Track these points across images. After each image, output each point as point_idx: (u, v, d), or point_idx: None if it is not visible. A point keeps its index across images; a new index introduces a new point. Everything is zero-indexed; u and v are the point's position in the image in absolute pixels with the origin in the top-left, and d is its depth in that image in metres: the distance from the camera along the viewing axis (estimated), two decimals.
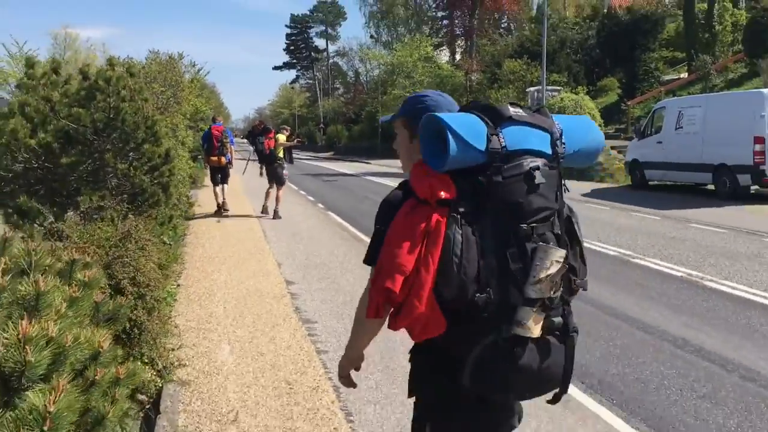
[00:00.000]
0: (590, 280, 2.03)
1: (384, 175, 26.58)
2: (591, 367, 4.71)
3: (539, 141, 1.86)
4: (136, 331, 4.14)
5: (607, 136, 24.03)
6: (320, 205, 15.45)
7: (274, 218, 12.52)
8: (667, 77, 28.56)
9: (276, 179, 12.77)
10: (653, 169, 17.25)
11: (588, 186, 19.00)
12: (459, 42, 55.15)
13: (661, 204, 14.36)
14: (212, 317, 5.88)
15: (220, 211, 13.07)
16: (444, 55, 53.89)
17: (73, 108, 5.68)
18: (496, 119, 1.85)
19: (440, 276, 1.71)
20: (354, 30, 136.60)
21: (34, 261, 2.29)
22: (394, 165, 35.02)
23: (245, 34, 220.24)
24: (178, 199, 10.95)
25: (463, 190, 1.78)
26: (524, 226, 1.78)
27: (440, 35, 55.40)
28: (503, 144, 1.79)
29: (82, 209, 5.65)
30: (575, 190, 18.03)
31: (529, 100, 28.98)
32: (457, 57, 53.57)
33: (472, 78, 42.21)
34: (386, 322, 1.89)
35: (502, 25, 55.48)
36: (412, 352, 2.05)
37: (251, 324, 5.67)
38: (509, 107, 1.91)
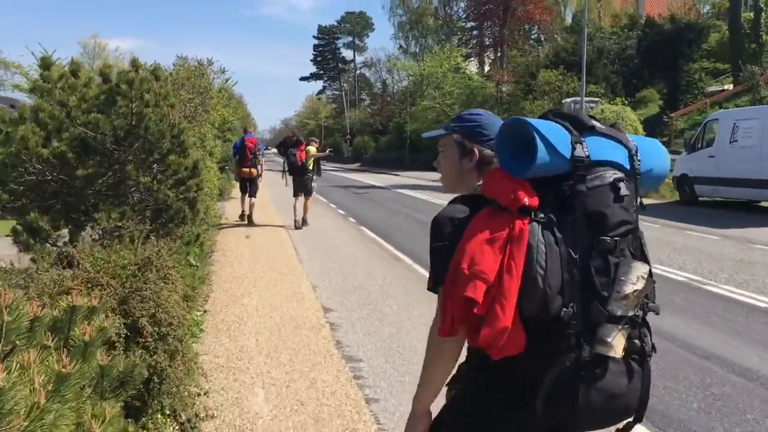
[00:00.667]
0: (662, 310, 1.91)
1: (414, 187, 25.85)
2: (688, 422, 3.90)
3: (619, 154, 1.81)
4: (156, 379, 3.44)
5: None
6: (352, 219, 14.76)
7: (302, 226, 12.57)
8: (710, 88, 27.46)
9: (305, 191, 12.75)
10: (704, 185, 16.26)
11: None
12: (488, 53, 54.37)
13: (715, 222, 13.40)
14: (243, 352, 5.16)
15: (244, 217, 13.08)
16: (473, 66, 53.12)
17: (92, 114, 5.03)
18: (579, 128, 1.81)
19: (522, 288, 1.62)
20: (381, 41, 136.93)
21: (5, 324, 1.57)
22: (423, 177, 34.53)
23: (273, 46, 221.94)
24: (205, 212, 10.35)
25: (544, 198, 1.71)
26: (607, 238, 1.71)
27: (469, 46, 54.65)
28: (587, 153, 1.74)
29: (101, 227, 5.00)
30: None
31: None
32: (486, 68, 52.79)
33: (503, 89, 41.43)
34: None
35: (532, 36, 54.62)
36: (467, 366, 1.87)
37: (288, 362, 4.94)
38: (589, 118, 1.87)
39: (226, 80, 31.38)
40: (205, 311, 6.18)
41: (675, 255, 9.68)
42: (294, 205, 12.81)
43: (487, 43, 54.05)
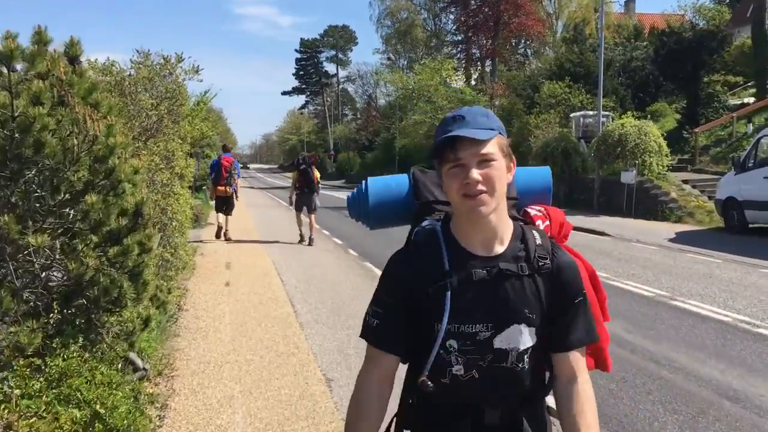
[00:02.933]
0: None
1: None
2: None
3: None
4: None
5: (672, 168, 20.89)
6: (352, 252, 12.30)
7: (310, 244, 12.92)
8: (731, 101, 25.44)
9: (313, 208, 13.05)
10: (758, 210, 14.02)
11: (668, 228, 15.82)
12: (476, 66, 52.34)
13: None
14: None
15: (220, 234, 13.11)
16: (459, 80, 50.95)
17: None
18: None
19: None
20: (365, 55, 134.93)
21: None
22: None
23: (254, 61, 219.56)
24: (172, 254, 7.86)
25: None
26: None
27: (456, 58, 52.55)
28: None
29: None
30: (655, 233, 14.87)
31: (574, 127, 25.93)
32: (472, 81, 50.63)
33: (496, 103, 39.31)
34: None
35: (519, 51, 52.78)
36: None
37: None
38: None
39: (206, 92, 29.05)
40: None
41: (755, 298, 7.54)
42: (298, 220, 13.28)
43: (477, 55, 52.09)
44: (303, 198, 12.95)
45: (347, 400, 1.61)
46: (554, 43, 46.90)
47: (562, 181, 21.50)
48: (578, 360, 1.60)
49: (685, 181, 19.84)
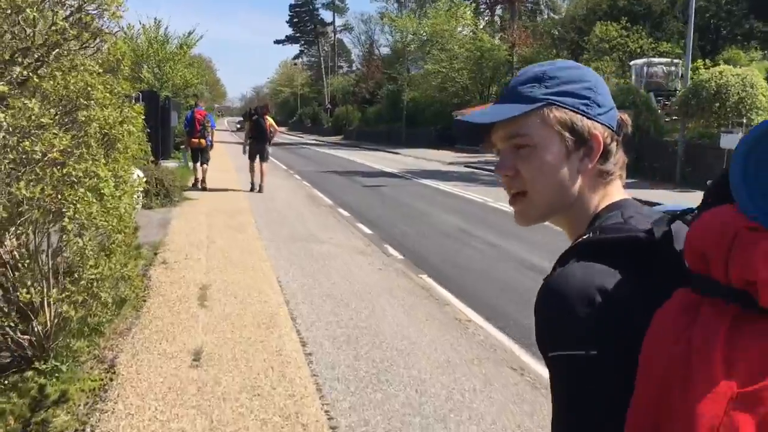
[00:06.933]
0: None
1: (444, 176, 19.11)
2: None
3: None
4: None
5: None
6: (395, 255, 8.04)
7: (260, 191, 13.24)
8: None
9: (264, 157, 13.51)
10: None
11: None
12: (483, 14, 47.16)
13: None
14: None
15: (198, 184, 13.60)
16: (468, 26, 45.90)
17: None
18: None
19: None
20: (362, 4, 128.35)
21: None
22: (435, 158, 27.40)
23: (245, 12, 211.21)
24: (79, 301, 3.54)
25: None
26: None
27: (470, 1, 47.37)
28: None
29: None
30: None
31: (634, 77, 21.43)
32: (480, 26, 45.56)
33: (518, 53, 34.57)
34: None
35: None
36: None
37: None
38: None
39: (189, 34, 24.17)
40: None
41: None
42: (251, 168, 13.59)
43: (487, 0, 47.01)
44: (254, 147, 13.50)
45: None
46: None
47: (629, 145, 17.21)
48: None
49: None
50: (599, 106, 1.01)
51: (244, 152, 13.87)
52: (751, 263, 0.68)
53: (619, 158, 1.03)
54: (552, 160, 0.98)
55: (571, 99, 0.99)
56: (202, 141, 13.50)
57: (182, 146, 18.74)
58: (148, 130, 7.47)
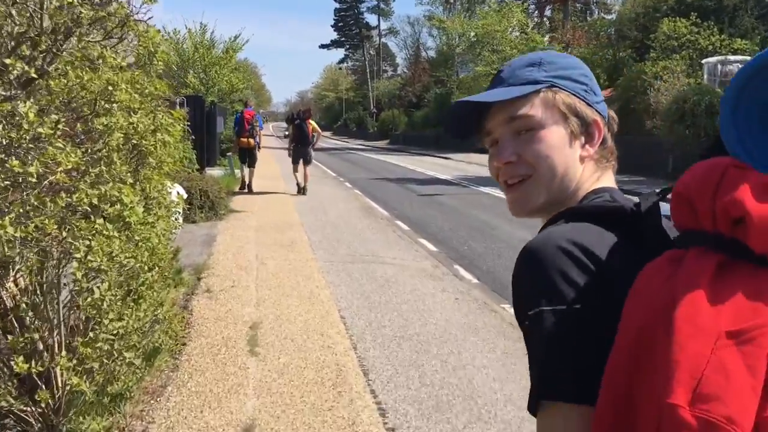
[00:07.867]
0: None
1: (497, 183, 17.94)
2: None
3: None
4: None
5: None
6: (463, 272, 7.01)
7: (304, 193, 13.69)
8: None
9: (308, 160, 13.90)
10: None
11: None
12: (531, 16, 45.65)
13: None
14: None
15: (245, 186, 14.08)
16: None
17: None
18: None
19: None
20: (407, 7, 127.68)
21: None
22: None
23: (291, 19, 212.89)
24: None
25: None
26: None
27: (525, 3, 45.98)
28: None
29: None
30: None
31: (706, 76, 19.93)
32: (531, 25, 44.08)
33: (573, 53, 33.16)
34: None
35: None
36: None
37: None
38: None
39: (235, 38, 23.54)
40: None
41: None
42: (295, 170, 14.04)
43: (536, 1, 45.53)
44: (298, 151, 13.90)
45: None
46: None
47: (710, 149, 15.84)
48: None
49: None
50: (596, 94, 1.02)
51: (290, 155, 14.36)
52: (738, 197, 0.68)
53: (611, 148, 1.03)
54: (557, 142, 0.97)
55: (572, 84, 0.99)
56: (251, 141, 13.70)
57: (228, 153, 18.15)
58: (193, 137, 6.68)
